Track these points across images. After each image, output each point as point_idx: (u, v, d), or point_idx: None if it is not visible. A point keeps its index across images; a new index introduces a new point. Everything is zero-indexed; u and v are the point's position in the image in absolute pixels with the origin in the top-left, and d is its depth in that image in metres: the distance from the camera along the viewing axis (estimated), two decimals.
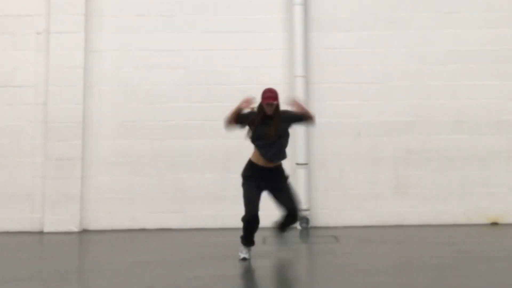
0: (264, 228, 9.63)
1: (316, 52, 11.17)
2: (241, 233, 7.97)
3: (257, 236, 9.14)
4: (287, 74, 11.03)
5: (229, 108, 10.39)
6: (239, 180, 10.33)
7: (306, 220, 10.58)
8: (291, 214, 7.95)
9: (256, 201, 7.92)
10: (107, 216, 10.92)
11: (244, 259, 7.82)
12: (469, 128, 11.02)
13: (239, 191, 10.32)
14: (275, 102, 7.65)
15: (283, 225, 8.16)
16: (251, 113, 7.88)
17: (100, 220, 10.89)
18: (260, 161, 7.81)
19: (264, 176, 7.81)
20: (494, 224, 10.76)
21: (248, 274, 7.29)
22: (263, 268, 7.53)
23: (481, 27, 11.26)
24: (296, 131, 10.44)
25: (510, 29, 11.29)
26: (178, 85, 11.16)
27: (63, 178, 10.79)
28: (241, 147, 10.05)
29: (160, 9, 11.30)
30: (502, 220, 10.80)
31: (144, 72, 11.20)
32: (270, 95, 7.65)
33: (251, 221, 7.88)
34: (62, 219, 10.70)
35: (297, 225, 10.54)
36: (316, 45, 11.20)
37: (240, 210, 10.03)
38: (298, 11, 11.06)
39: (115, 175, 11.02)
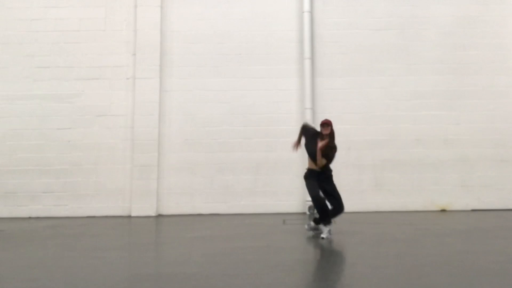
0: (284, 214, 10.63)
1: (319, 91, 11.39)
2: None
3: (278, 218, 9.91)
4: (299, 107, 11.30)
5: (259, 130, 11.15)
6: (266, 180, 11.12)
7: (313, 208, 10.59)
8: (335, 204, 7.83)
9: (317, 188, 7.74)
10: (175, 205, 11.16)
11: (322, 238, 7.66)
12: (425, 144, 11.29)
13: (266, 188, 11.05)
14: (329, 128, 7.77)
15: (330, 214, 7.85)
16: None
17: (170, 208, 11.14)
18: (313, 166, 7.84)
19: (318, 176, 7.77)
20: (443, 210, 11.03)
21: (272, 244, 7.32)
22: (284, 240, 7.72)
23: (432, 74, 11.53)
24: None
25: (452, 75, 11.53)
26: (224, 114, 11.40)
27: (144, 179, 11.10)
28: (267, 157, 11.15)
29: (212, 62, 11.57)
30: (448, 208, 11.11)
31: (200, 105, 11.44)
32: (325, 123, 7.83)
33: (315, 198, 7.74)
34: (144, 207, 11.01)
35: (306, 211, 10.82)
36: (319, 87, 11.42)
37: (266, 201, 10.95)
38: (307, 63, 11.38)
39: (180, 176, 11.25)
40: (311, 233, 8.14)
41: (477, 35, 11.65)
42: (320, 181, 7.86)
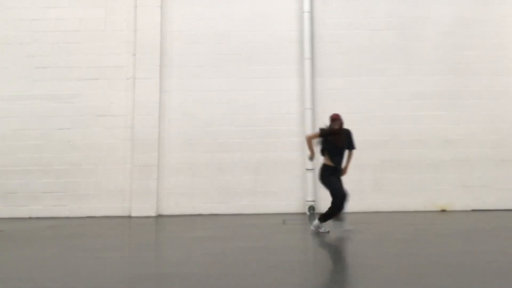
0: (284, 214, 10.67)
1: (319, 91, 11.38)
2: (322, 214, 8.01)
3: (278, 218, 9.94)
4: (299, 107, 11.33)
5: (259, 130, 11.18)
6: (266, 180, 11.13)
7: (313, 208, 10.88)
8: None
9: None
10: (175, 205, 11.14)
11: (328, 231, 7.87)
12: (425, 144, 11.26)
13: (266, 188, 11.06)
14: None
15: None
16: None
17: (170, 208, 11.12)
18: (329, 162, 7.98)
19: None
20: (443, 211, 10.99)
21: (273, 245, 7.25)
22: (284, 240, 7.66)
23: (433, 74, 11.50)
24: (305, 146, 10.08)
25: (452, 75, 11.50)
26: (224, 114, 11.37)
27: (144, 179, 11.08)
28: (267, 157, 11.16)
29: (211, 62, 11.55)
30: (448, 208, 11.07)
31: (200, 105, 11.42)
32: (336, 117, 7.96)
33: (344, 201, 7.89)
34: (144, 207, 10.98)
35: (307, 211, 10.85)
36: (320, 87, 11.41)
37: (266, 201, 10.97)
38: (307, 63, 11.37)
39: (181, 176, 11.23)
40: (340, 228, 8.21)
41: (477, 35, 11.63)
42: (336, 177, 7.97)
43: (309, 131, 10.85)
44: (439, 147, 11.33)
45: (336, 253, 6.95)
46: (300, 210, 11.10)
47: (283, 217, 10.28)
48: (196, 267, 5.87)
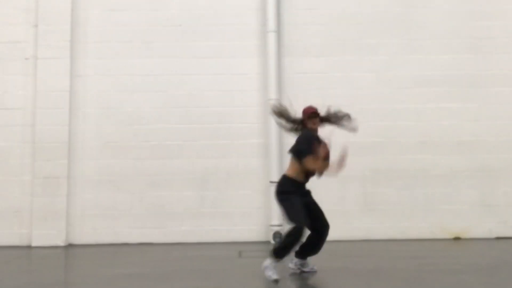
0: (240, 243, 10.04)
1: (288, 76, 10.59)
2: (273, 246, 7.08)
3: (232, 249, 9.42)
4: (261, 98, 10.49)
5: (206, 129, 10.37)
6: (216, 197, 10.19)
7: (279, 235, 9.62)
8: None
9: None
10: (92, 231, 10.32)
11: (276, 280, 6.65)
12: (432, 149, 10.45)
13: (216, 208, 10.15)
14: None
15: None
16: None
17: (85, 235, 10.29)
18: (301, 177, 7.17)
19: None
20: (457, 238, 10.25)
21: (224, 285, 6.77)
22: (240, 280, 7.07)
23: (443, 53, 10.70)
24: (270, 150, 10.32)
25: (470, 54, 10.70)
26: (158, 107, 10.58)
27: (50, 196, 10.19)
28: (218, 166, 10.15)
29: (141, 36, 10.72)
30: (464, 235, 10.26)
31: (126, 95, 10.61)
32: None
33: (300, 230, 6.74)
34: (49, 234, 10.11)
35: (271, 239, 9.98)
36: (288, 70, 10.63)
37: (216, 226, 10.22)
38: (271, 38, 10.49)
39: (99, 192, 10.41)
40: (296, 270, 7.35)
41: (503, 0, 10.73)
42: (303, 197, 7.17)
43: (274, 129, 10.02)
44: (451, 152, 10.48)
45: None
46: (262, 237, 10.25)
47: (239, 248, 9.55)
48: None
